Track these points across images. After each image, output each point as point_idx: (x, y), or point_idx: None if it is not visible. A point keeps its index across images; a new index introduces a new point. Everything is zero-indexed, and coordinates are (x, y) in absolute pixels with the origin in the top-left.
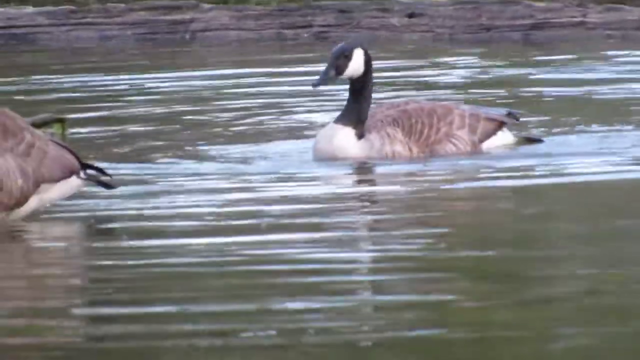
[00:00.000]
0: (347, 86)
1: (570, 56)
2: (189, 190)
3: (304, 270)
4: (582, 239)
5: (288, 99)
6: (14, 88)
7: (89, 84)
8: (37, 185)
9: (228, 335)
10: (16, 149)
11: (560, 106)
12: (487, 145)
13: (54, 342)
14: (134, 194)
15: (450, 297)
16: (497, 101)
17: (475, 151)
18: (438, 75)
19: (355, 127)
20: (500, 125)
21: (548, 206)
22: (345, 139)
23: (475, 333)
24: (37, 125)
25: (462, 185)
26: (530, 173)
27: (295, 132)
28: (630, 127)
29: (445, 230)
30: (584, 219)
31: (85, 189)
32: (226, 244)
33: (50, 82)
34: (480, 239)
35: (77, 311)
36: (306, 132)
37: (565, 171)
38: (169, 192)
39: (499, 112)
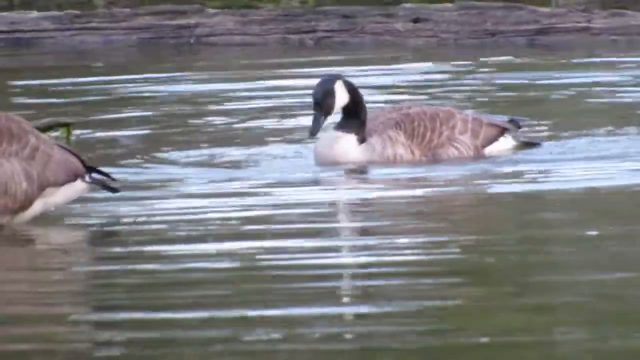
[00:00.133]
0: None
1: (575, 61)
2: (194, 195)
3: (308, 275)
4: (586, 244)
5: (292, 103)
6: (18, 92)
7: (94, 88)
8: (41, 188)
9: (235, 341)
10: (21, 153)
11: (565, 111)
12: (489, 150)
13: (59, 348)
14: (138, 198)
15: (453, 302)
16: (502, 105)
17: (477, 156)
18: (442, 80)
19: (356, 133)
20: (503, 131)
21: (551, 211)
22: (346, 144)
23: (480, 338)
24: (42, 129)
25: (464, 190)
26: (534, 178)
27: (298, 137)
28: (635, 132)
29: (449, 235)
30: (589, 224)
31: (90, 193)
32: (231, 249)
33: (55, 87)
34: (484, 244)
35: (82, 317)
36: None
37: (570, 176)
38: (174, 197)
39: (501, 119)
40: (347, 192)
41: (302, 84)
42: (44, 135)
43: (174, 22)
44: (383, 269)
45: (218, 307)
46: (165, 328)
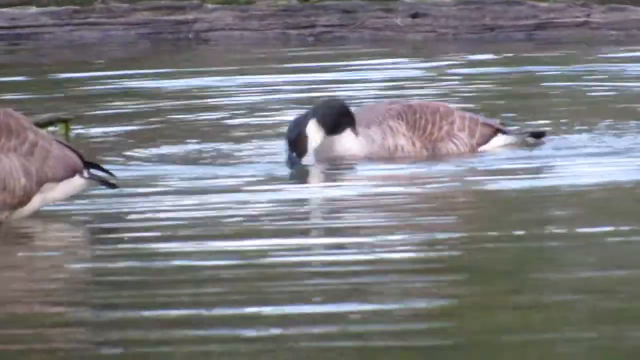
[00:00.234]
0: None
1: (574, 56)
2: (194, 192)
3: (310, 272)
4: (585, 241)
5: (291, 98)
6: (17, 88)
7: (92, 84)
8: (40, 184)
9: (232, 340)
10: (19, 149)
11: (564, 106)
12: (483, 149)
13: (57, 348)
14: (137, 194)
15: (451, 300)
16: (501, 100)
17: (473, 154)
18: (440, 75)
19: (351, 129)
20: (496, 131)
21: (551, 208)
22: (344, 139)
23: (478, 337)
24: (41, 125)
25: (462, 186)
26: (533, 174)
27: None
28: (636, 127)
29: (447, 232)
30: (589, 221)
31: (89, 190)
32: (227, 247)
33: (54, 82)
34: (482, 241)
35: (81, 315)
36: None
37: (569, 172)
38: (174, 193)
39: (493, 121)
40: (341, 189)
41: (301, 79)
42: (42, 131)
43: (172, 18)
44: (379, 267)
45: (216, 306)
46: (165, 327)
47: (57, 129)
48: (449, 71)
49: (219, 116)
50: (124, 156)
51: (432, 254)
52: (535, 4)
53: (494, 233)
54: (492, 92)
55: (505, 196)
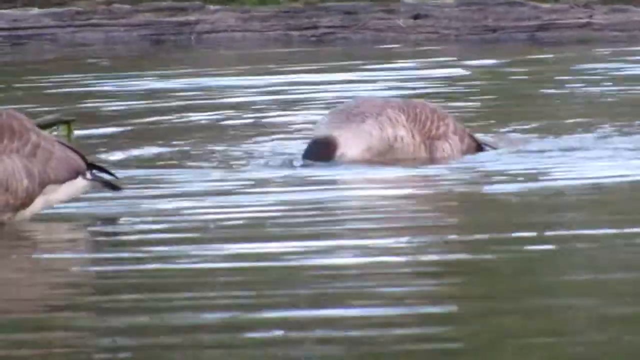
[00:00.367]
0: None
1: (576, 57)
2: (197, 194)
3: (306, 278)
4: (591, 243)
5: (292, 99)
6: (20, 89)
7: (95, 85)
8: (42, 186)
9: (232, 345)
10: (22, 150)
11: (567, 107)
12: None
13: (59, 352)
14: (140, 196)
15: (453, 304)
16: (504, 102)
17: (460, 157)
18: (442, 76)
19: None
20: (479, 147)
21: (553, 210)
22: (339, 139)
23: (481, 342)
24: (44, 126)
25: (463, 189)
26: (535, 176)
27: (301, 133)
28: (638, 128)
29: (450, 234)
30: (593, 223)
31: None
32: (233, 249)
33: (56, 84)
34: (484, 243)
35: (83, 319)
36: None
37: (572, 173)
38: (176, 195)
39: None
40: (338, 191)
41: (303, 80)
42: (45, 133)
43: (175, 19)
44: (378, 270)
45: (217, 310)
46: (165, 331)
47: (59, 130)
48: (451, 72)
49: (221, 117)
50: (126, 157)
51: (432, 257)
52: (537, 5)
53: (499, 235)
54: (494, 94)
55: (506, 198)
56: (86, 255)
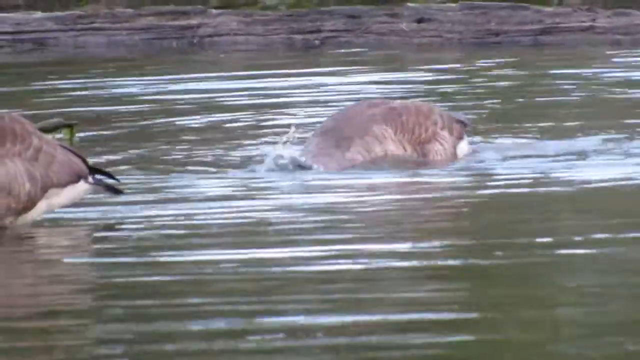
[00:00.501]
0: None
1: (579, 61)
2: (199, 198)
3: (306, 284)
4: (590, 245)
5: (296, 103)
6: (22, 93)
7: (98, 89)
8: (44, 189)
9: (234, 352)
10: (24, 154)
11: (570, 110)
12: (459, 147)
13: (59, 358)
14: (142, 201)
15: (456, 310)
16: (506, 106)
17: (453, 153)
18: (445, 79)
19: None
20: (465, 127)
21: (553, 213)
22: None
23: (484, 347)
24: (47, 130)
25: (461, 192)
26: (534, 179)
27: (303, 137)
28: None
29: (450, 238)
30: (592, 226)
31: (95, 195)
32: (237, 254)
33: (59, 88)
34: (483, 245)
35: (84, 325)
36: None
37: (572, 176)
38: (178, 200)
39: (455, 114)
40: (336, 196)
41: (306, 83)
42: (47, 136)
43: (177, 23)
44: (381, 276)
45: (218, 316)
46: (167, 338)
47: (61, 134)
48: (454, 76)
49: (223, 121)
50: (128, 161)
51: (435, 262)
52: (540, 9)
53: (502, 240)
54: (497, 97)
55: (509, 201)
56: (87, 261)
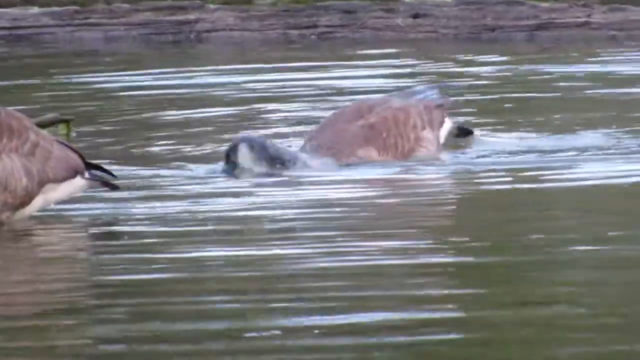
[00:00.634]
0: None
1: (575, 56)
2: (197, 194)
3: (312, 281)
4: (586, 242)
5: (292, 99)
6: (19, 88)
7: (94, 84)
8: (41, 185)
9: (237, 353)
10: (21, 149)
11: (565, 106)
12: (441, 134)
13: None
14: (139, 197)
15: (454, 309)
16: (502, 102)
17: (438, 145)
18: (442, 75)
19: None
20: (444, 109)
21: (549, 210)
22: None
23: (480, 339)
24: (43, 125)
25: (459, 189)
26: (531, 175)
27: (300, 131)
28: (636, 129)
29: (447, 235)
30: (588, 223)
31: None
32: (234, 253)
33: (55, 83)
34: (481, 242)
35: (83, 314)
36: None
37: (568, 173)
38: (176, 196)
39: (432, 93)
40: (332, 193)
41: (302, 78)
42: (43, 132)
43: (174, 18)
44: (379, 273)
45: (217, 318)
46: (165, 337)
47: (58, 129)
48: (450, 71)
49: (220, 115)
50: (125, 156)
51: (433, 260)
52: (536, 5)
53: (499, 238)
54: (493, 93)
55: (504, 198)
56: (84, 258)
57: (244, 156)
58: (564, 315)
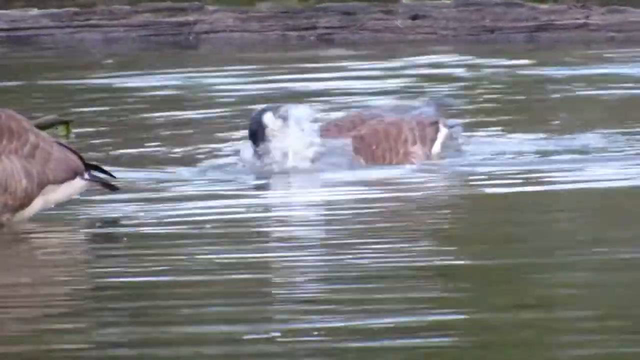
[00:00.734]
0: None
1: (574, 58)
2: (198, 196)
3: (303, 286)
4: (586, 244)
5: (291, 99)
6: (18, 90)
7: (94, 86)
8: (41, 186)
9: (230, 356)
10: (21, 151)
11: (564, 108)
12: (434, 149)
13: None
14: (139, 199)
15: (452, 304)
16: (501, 104)
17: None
18: (440, 77)
19: None
20: (438, 125)
21: (548, 211)
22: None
23: (480, 341)
24: (43, 127)
25: (459, 191)
26: (530, 177)
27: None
28: (636, 130)
29: (446, 237)
30: (588, 224)
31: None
32: (236, 256)
33: (55, 84)
34: (481, 244)
35: (82, 318)
36: None
37: (568, 175)
38: (176, 198)
39: (427, 108)
40: (331, 195)
41: (302, 79)
42: (43, 133)
43: (174, 19)
44: (376, 276)
45: (217, 322)
46: (165, 342)
47: (57, 130)
48: (449, 73)
49: (219, 116)
50: (125, 158)
51: (432, 262)
52: (535, 6)
53: (497, 239)
54: (492, 94)
55: (506, 200)
56: (83, 260)
57: (269, 119)
58: (564, 317)
